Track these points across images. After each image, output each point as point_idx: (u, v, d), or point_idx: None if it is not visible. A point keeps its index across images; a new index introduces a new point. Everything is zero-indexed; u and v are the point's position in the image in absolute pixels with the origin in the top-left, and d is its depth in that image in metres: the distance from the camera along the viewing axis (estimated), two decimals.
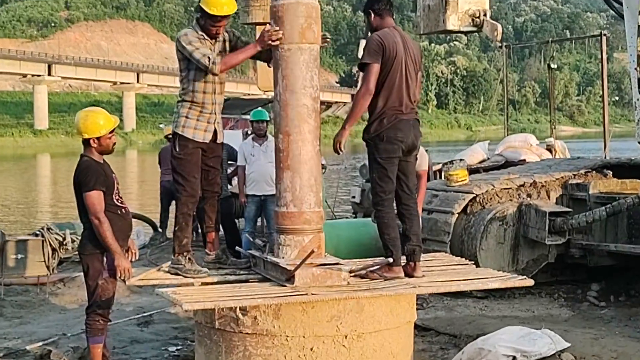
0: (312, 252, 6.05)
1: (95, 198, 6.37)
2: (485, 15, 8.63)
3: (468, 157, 17.29)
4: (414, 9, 9.86)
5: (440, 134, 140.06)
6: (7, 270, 10.21)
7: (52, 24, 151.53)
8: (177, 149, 6.77)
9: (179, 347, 7.81)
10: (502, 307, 9.24)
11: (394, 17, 6.91)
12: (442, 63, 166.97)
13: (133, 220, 14.20)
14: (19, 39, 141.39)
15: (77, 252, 7.07)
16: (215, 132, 6.94)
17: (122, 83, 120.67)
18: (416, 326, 8.00)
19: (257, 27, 9.46)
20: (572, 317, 8.81)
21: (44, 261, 10.34)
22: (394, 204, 6.71)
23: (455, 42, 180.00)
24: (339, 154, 6.76)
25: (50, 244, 10.30)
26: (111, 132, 6.63)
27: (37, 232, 10.65)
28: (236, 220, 12.26)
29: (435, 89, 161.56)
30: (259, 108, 13.34)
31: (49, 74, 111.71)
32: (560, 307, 9.27)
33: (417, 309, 6.90)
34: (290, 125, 6.39)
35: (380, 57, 6.49)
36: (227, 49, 6.93)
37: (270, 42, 6.32)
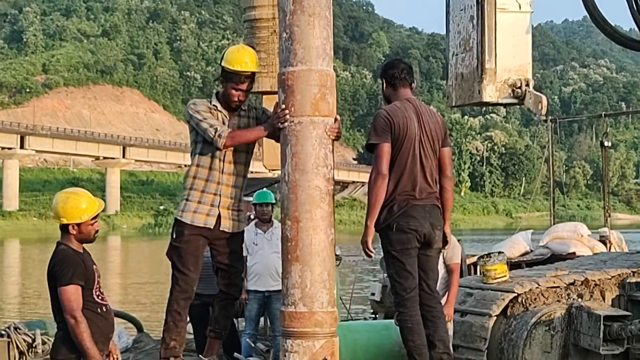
0: None
1: (72, 294, 6.29)
2: (527, 85, 8.69)
3: (508, 249, 17.26)
4: (444, 77, 9.94)
5: (475, 220, 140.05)
6: None
7: (27, 90, 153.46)
8: (174, 236, 6.87)
9: None
10: None
11: (413, 86, 7.01)
12: (477, 138, 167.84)
13: (115, 319, 14.14)
14: None
15: (48, 357, 6.99)
16: (219, 217, 6.95)
17: (105, 158, 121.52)
18: None
19: (264, 96, 9.60)
20: None
21: None
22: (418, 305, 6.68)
23: (492, 115, 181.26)
24: (370, 257, 6.77)
25: (18, 346, 10.25)
26: (94, 218, 6.59)
27: (3, 332, 10.59)
28: (235, 321, 12.16)
29: (469, 168, 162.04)
30: (264, 189, 13.37)
31: (22, 147, 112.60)
32: None
33: None
34: (300, 210, 6.43)
35: (389, 135, 6.63)
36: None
37: (280, 125, 6.41)
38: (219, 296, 7.11)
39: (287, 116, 6.43)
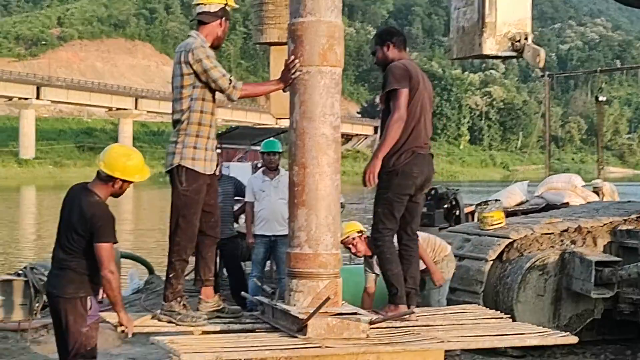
0: (328, 299, 6.04)
1: (110, 250, 6.37)
2: (526, 39, 8.65)
3: (505, 198, 17.27)
4: (446, 34, 9.91)
5: (473, 172, 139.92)
6: None
7: (43, 42, 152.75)
8: (184, 184, 6.65)
9: None
10: None
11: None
12: (477, 94, 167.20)
13: (128, 261, 14.22)
14: (6, 58, 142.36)
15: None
16: (218, 160, 6.95)
17: (118, 109, 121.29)
18: None
19: (272, 47, 9.56)
20: None
21: (26, 304, 10.30)
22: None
23: (491, 71, 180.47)
24: (368, 186, 6.86)
25: (34, 285, 10.25)
26: None
27: (20, 272, 10.63)
28: (242, 264, 12.23)
29: (468, 122, 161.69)
30: (271, 138, 13.40)
31: (38, 97, 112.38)
32: None
33: None
34: (307, 157, 6.42)
35: (407, 83, 6.75)
36: None
37: (291, 75, 6.38)
38: (204, 240, 6.95)
39: (298, 65, 6.41)
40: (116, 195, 6.60)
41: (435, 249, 8.91)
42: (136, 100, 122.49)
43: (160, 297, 7.14)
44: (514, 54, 8.76)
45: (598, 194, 19.05)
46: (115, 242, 6.45)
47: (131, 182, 6.54)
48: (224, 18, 6.85)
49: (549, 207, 16.02)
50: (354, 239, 8.38)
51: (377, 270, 8.29)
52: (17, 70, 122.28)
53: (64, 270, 6.51)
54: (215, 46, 6.86)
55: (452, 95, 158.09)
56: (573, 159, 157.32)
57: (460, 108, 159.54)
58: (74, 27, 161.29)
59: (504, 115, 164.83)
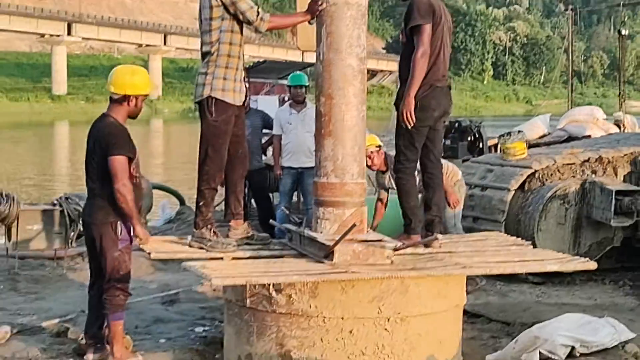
0: (354, 226, 6.09)
1: (123, 164, 6.43)
2: None
3: (527, 131, 17.24)
4: None
5: (497, 107, 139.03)
6: (22, 243, 10.32)
7: None
8: (214, 115, 6.66)
9: (206, 328, 7.89)
10: (560, 294, 9.24)
11: None
12: (501, 29, 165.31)
13: (160, 192, 14.34)
14: None
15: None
16: (245, 93, 6.95)
17: (147, 45, 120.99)
18: (465, 312, 8.03)
19: None
20: (638, 306, 8.77)
21: (62, 233, 10.44)
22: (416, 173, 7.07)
23: (515, 6, 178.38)
24: (409, 126, 6.81)
25: (69, 215, 10.35)
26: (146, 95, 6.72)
27: (55, 202, 10.73)
28: (270, 195, 12.30)
29: (492, 57, 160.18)
30: (298, 72, 13.35)
31: (69, 34, 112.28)
32: (625, 296, 9.23)
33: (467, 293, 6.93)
34: (334, 87, 6.43)
35: (431, 18, 6.74)
36: None
37: (319, 7, 6.35)
38: (232, 176, 7.03)
39: None
40: (134, 115, 6.68)
41: (448, 173, 8.93)
42: (165, 36, 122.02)
43: (191, 226, 7.20)
44: None
45: (619, 127, 18.99)
46: (130, 156, 6.48)
47: (142, 97, 6.64)
48: None
49: (571, 139, 15.98)
50: (372, 152, 8.56)
51: (389, 185, 8.38)
52: (48, 7, 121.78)
53: (94, 197, 6.64)
54: None
55: (476, 30, 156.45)
56: (595, 94, 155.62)
57: (484, 43, 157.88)
58: None
59: (528, 50, 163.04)
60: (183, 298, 9.03)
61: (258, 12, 6.56)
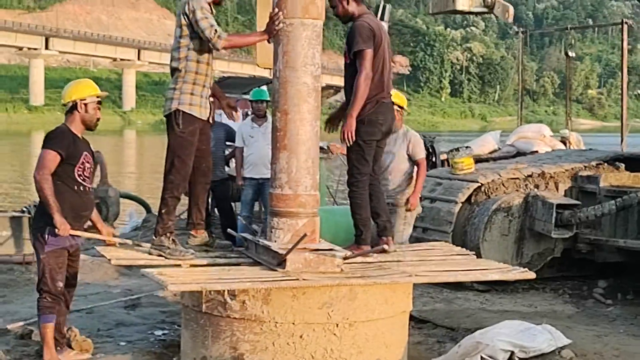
0: (305, 235, 6.09)
1: (48, 156, 6.38)
2: None
3: (478, 146, 17.34)
4: None
5: (454, 123, 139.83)
6: None
7: None
8: (181, 127, 6.64)
9: (165, 332, 7.84)
10: (503, 301, 9.28)
11: None
12: (458, 49, 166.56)
13: (127, 201, 14.18)
14: (16, 9, 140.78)
15: None
16: (210, 109, 6.95)
17: (122, 60, 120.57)
18: (413, 318, 8.06)
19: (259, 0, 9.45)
20: (576, 313, 8.84)
21: (30, 239, 10.33)
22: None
23: (472, 28, 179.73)
24: (349, 144, 6.85)
25: None
26: (99, 102, 6.67)
27: (24, 209, 10.67)
28: (233, 204, 12.27)
29: (449, 76, 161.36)
30: (260, 87, 13.34)
31: (46, 48, 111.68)
32: (564, 304, 9.30)
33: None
34: (289, 104, 6.44)
35: (372, 42, 6.82)
36: None
37: (275, 27, 6.36)
38: (196, 187, 7.01)
39: (282, 17, 6.39)
40: (89, 122, 6.61)
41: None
42: (139, 51, 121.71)
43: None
44: (484, 9, 8.74)
45: (565, 144, 19.12)
46: (59, 153, 6.38)
47: (92, 103, 6.57)
48: None
49: (519, 154, 16.07)
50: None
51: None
52: (27, 22, 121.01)
53: (38, 205, 6.66)
54: (216, 2, 6.88)
55: (435, 50, 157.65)
56: (546, 111, 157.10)
57: (442, 62, 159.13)
58: None
59: (483, 69, 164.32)
60: (145, 302, 8.97)
61: (216, 31, 6.54)
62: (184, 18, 6.63)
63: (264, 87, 13.57)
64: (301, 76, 6.42)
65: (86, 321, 8.01)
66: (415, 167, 8.62)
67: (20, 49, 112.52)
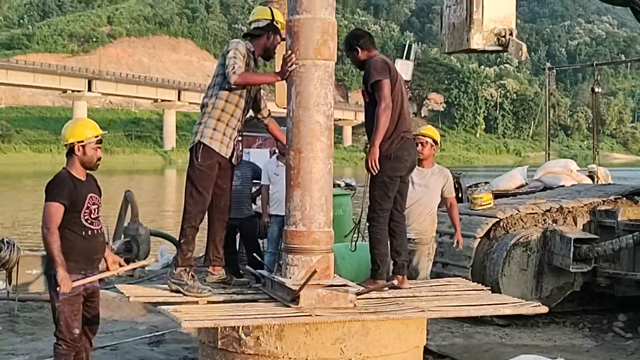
0: (315, 272, 6.08)
1: (52, 209, 6.23)
2: (511, 34, 8.62)
3: (506, 182, 17.20)
4: (439, 28, 9.89)
5: (488, 158, 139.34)
6: (22, 286, 10.32)
7: (94, 39, 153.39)
8: (199, 160, 6.71)
9: None
10: (523, 335, 9.19)
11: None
12: (492, 86, 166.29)
13: (158, 239, 14.16)
14: (60, 53, 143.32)
15: None
16: (233, 149, 6.98)
17: (163, 100, 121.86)
18: (432, 352, 8.03)
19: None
20: (594, 347, 8.74)
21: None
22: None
23: (505, 65, 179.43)
24: (373, 172, 6.85)
25: None
26: (98, 142, 6.51)
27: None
28: (260, 241, 12.28)
29: (484, 112, 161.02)
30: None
31: (89, 90, 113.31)
32: (583, 337, 9.19)
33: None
34: (302, 143, 6.45)
35: (388, 74, 6.86)
36: None
37: (288, 68, 6.42)
38: (215, 225, 7.05)
39: (294, 59, 6.45)
40: (88, 163, 6.45)
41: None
42: (179, 92, 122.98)
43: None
44: (499, 48, 8.71)
45: (593, 178, 18.92)
46: (62, 203, 6.23)
47: (90, 144, 6.41)
48: (270, 32, 6.95)
49: (547, 189, 15.92)
50: (427, 142, 8.33)
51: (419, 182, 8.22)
52: (71, 65, 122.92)
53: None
54: (265, 57, 7.05)
55: (469, 87, 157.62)
56: (580, 146, 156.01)
57: (477, 99, 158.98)
58: (123, 25, 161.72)
59: (517, 105, 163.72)
60: (169, 339, 9.00)
61: (234, 67, 6.61)
62: (222, 58, 6.77)
63: None
64: (314, 115, 6.44)
65: (110, 358, 8.06)
66: (449, 206, 8.53)
67: (64, 91, 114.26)
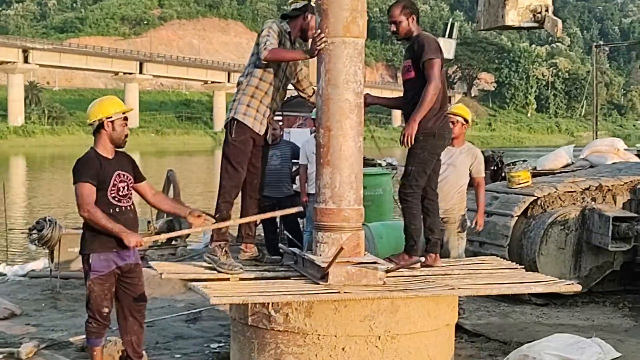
0: (342, 249, 6.07)
1: (84, 190, 6.26)
2: (547, 10, 8.46)
3: (551, 161, 17.00)
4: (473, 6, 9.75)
5: (540, 138, 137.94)
6: (64, 264, 10.49)
7: (145, 22, 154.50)
8: (233, 135, 6.75)
9: (221, 344, 7.93)
10: (561, 315, 9.09)
11: None
12: (543, 65, 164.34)
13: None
14: (112, 36, 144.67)
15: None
16: (267, 128, 6.98)
17: (213, 82, 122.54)
18: (467, 331, 7.99)
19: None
20: (633, 327, 8.60)
21: None
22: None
23: (557, 44, 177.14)
24: (405, 147, 6.86)
25: None
26: (125, 119, 6.55)
27: None
28: (299, 220, 12.27)
29: (535, 91, 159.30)
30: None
31: (141, 72, 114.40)
32: (622, 317, 9.05)
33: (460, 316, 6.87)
34: (332, 120, 6.44)
35: (440, 54, 6.78)
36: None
37: (318, 47, 6.40)
38: (247, 202, 7.06)
39: (324, 38, 6.42)
40: (117, 140, 6.48)
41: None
42: (229, 74, 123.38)
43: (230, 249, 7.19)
44: (535, 24, 8.56)
45: None
46: (90, 182, 6.26)
47: (118, 119, 6.45)
48: (307, 13, 6.91)
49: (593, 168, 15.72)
50: (458, 121, 8.26)
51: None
52: (122, 48, 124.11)
53: (83, 230, 6.54)
54: (303, 38, 7.00)
55: (520, 66, 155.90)
56: (634, 125, 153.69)
57: (528, 79, 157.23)
58: (173, 8, 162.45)
59: (569, 84, 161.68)
60: (205, 316, 9.08)
61: (265, 42, 6.61)
62: (258, 38, 6.79)
63: None
64: (343, 93, 6.41)
65: (146, 334, 8.08)
66: (476, 185, 8.41)
67: (116, 73, 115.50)
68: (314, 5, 6.91)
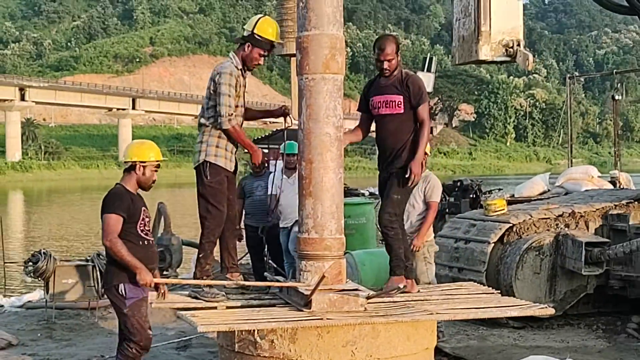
0: (323, 277, 6.11)
1: (112, 221, 6.29)
2: (518, 45, 8.58)
3: (528, 189, 17.13)
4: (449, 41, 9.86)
5: (519, 167, 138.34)
6: (59, 295, 10.49)
7: (137, 60, 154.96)
8: (209, 177, 6.82)
9: None
10: (537, 337, 9.10)
11: None
12: (521, 96, 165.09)
13: (190, 248, 14.23)
14: (106, 74, 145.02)
15: None
16: (236, 163, 7.07)
17: None
18: (447, 354, 8.01)
19: (292, 58, 9.62)
20: (606, 348, 8.62)
21: (94, 286, 10.57)
22: None
23: (534, 75, 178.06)
24: (415, 184, 7.10)
25: (100, 270, 10.48)
26: (157, 166, 6.59)
27: (88, 258, 10.91)
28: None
29: (514, 121, 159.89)
30: (292, 141, 13.40)
31: (133, 108, 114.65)
32: (596, 339, 9.06)
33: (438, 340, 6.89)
34: (313, 153, 6.51)
35: None
36: None
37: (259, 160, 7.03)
38: (223, 232, 7.04)
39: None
40: (144, 184, 6.53)
41: None
42: None
43: (217, 279, 7.19)
44: (507, 58, 8.67)
45: (615, 184, 18.75)
46: (121, 215, 6.29)
47: (151, 166, 6.50)
48: (248, 43, 6.93)
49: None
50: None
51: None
52: (115, 85, 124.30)
53: (107, 263, 6.56)
54: (246, 68, 7.00)
55: (499, 97, 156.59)
56: (609, 153, 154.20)
57: (507, 109, 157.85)
58: (164, 45, 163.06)
59: (546, 114, 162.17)
60: (195, 343, 9.05)
61: (230, 114, 6.72)
62: (213, 84, 6.83)
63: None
64: (324, 127, 6.50)
65: None
66: (426, 209, 8.31)
67: (110, 109, 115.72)
68: (257, 37, 6.91)
